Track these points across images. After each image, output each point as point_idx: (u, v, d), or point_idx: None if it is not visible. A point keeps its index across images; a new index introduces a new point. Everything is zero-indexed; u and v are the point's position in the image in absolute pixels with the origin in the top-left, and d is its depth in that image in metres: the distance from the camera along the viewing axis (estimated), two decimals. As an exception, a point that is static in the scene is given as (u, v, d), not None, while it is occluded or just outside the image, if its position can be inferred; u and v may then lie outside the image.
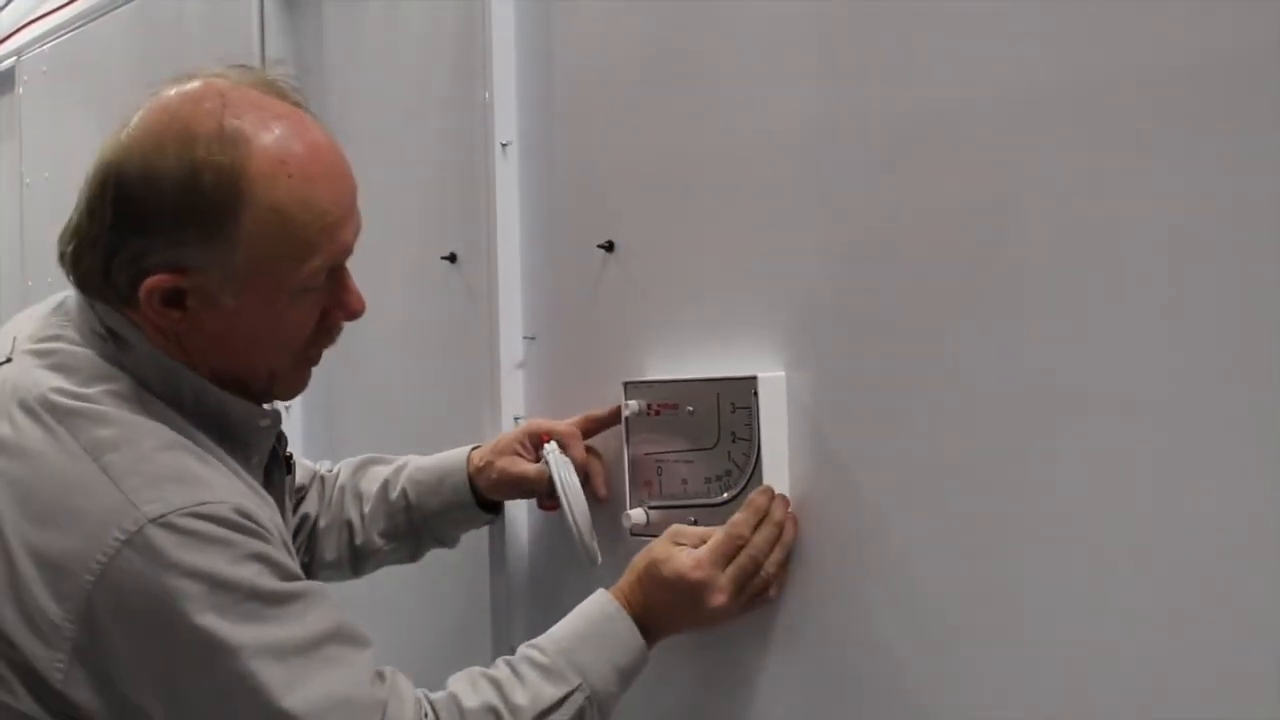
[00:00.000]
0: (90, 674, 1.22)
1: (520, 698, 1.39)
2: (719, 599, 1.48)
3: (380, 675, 1.35)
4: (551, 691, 1.40)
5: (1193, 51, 1.21)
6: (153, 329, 1.33)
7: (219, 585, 1.22)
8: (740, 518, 1.50)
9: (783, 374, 1.55)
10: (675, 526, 1.56)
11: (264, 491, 1.40)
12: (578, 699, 1.42)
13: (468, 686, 1.41)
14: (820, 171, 1.53)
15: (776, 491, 1.52)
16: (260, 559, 1.26)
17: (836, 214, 1.51)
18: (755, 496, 1.51)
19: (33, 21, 3.29)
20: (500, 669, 1.43)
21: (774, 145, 1.57)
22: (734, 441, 1.57)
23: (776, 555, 1.50)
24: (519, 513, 1.89)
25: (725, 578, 1.48)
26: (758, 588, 1.50)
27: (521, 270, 1.90)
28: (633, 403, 1.68)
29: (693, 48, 1.67)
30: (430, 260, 2.04)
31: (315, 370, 2.40)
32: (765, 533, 1.49)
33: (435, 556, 1.89)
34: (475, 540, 1.94)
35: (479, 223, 1.92)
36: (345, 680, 1.29)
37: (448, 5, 2.03)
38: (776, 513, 1.51)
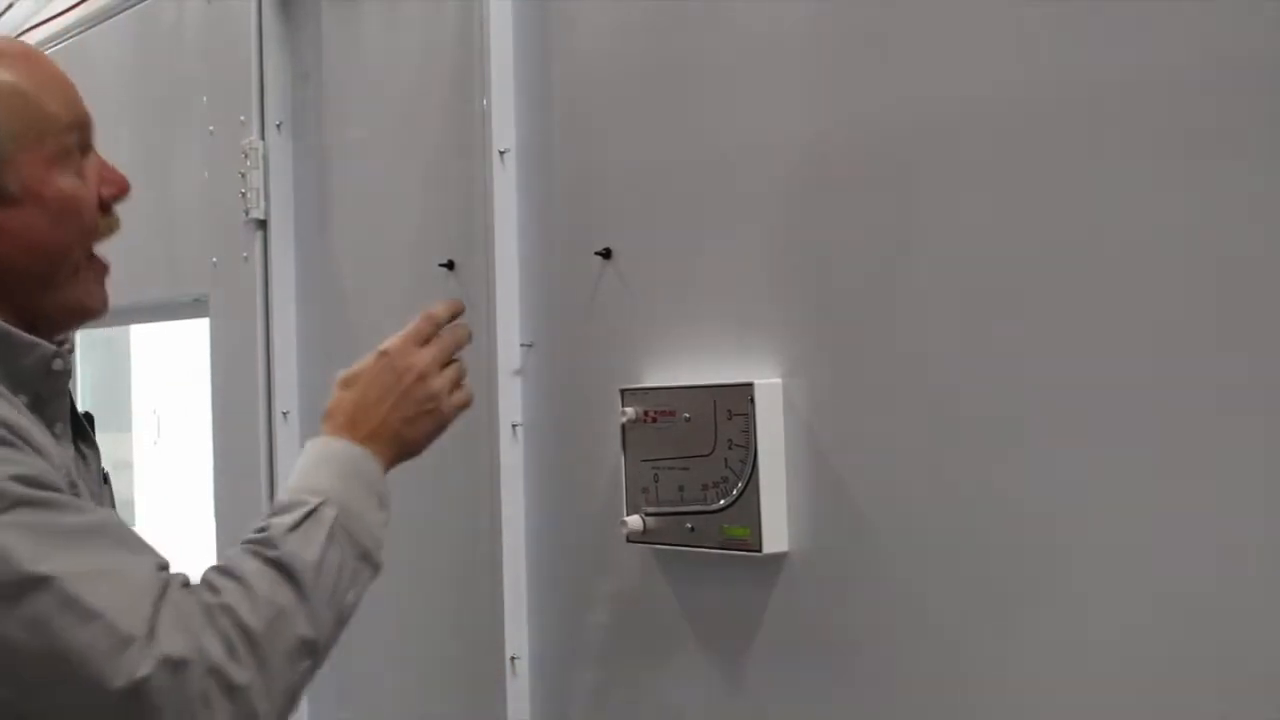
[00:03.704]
0: None
1: (276, 535, 1.31)
2: (420, 361, 1.50)
3: (164, 568, 1.26)
4: (293, 517, 1.33)
5: (1195, 54, 1.21)
6: None
7: None
8: (434, 308, 1.56)
9: (779, 381, 1.56)
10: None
11: (67, 449, 1.36)
12: (326, 512, 1.34)
13: (226, 564, 1.31)
14: (818, 179, 1.53)
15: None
16: (16, 470, 1.20)
17: (833, 222, 1.51)
18: (452, 301, 1.59)
19: (31, 29, 3.29)
20: (247, 541, 1.34)
21: (772, 153, 1.57)
22: (730, 448, 1.57)
23: (465, 355, 1.56)
24: (516, 516, 1.89)
25: (424, 353, 1.52)
26: (456, 374, 1.54)
27: (519, 277, 1.90)
28: (630, 409, 1.68)
29: (690, 56, 1.67)
30: (428, 268, 2.05)
31: (312, 375, 2.41)
32: (460, 330, 1.57)
33: (431, 562, 1.89)
34: (472, 546, 1.94)
35: (477, 230, 1.93)
36: (114, 557, 1.21)
37: (446, 13, 2.03)
38: (463, 314, 1.58)
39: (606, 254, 1.78)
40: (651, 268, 1.73)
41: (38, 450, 1.25)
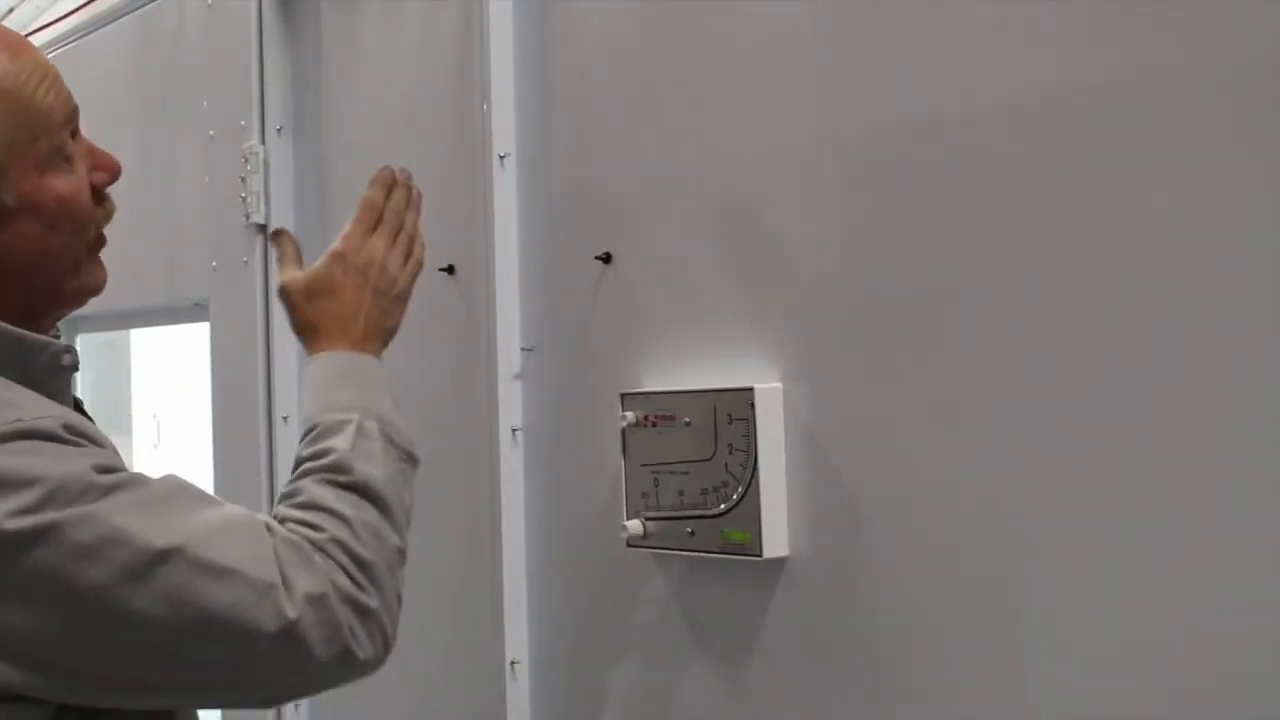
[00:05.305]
0: None
1: (342, 459, 1.33)
2: (377, 251, 1.51)
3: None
4: (347, 438, 1.36)
5: (1194, 57, 1.21)
6: None
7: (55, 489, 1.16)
8: (369, 192, 1.54)
9: (780, 385, 1.56)
10: (286, 262, 1.54)
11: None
12: (369, 426, 1.38)
13: (306, 499, 1.32)
14: (817, 184, 1.53)
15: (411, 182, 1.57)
16: (93, 462, 1.20)
17: (833, 226, 1.51)
18: (380, 171, 1.55)
19: (33, 33, 3.30)
20: (309, 469, 1.35)
21: (772, 157, 1.57)
22: (731, 453, 1.57)
23: (412, 215, 1.56)
24: (516, 520, 1.89)
25: (375, 239, 1.51)
26: (407, 244, 1.55)
27: (519, 282, 1.90)
28: (630, 414, 1.68)
29: (691, 61, 1.67)
30: (428, 272, 2.03)
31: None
32: (398, 195, 1.55)
33: (431, 567, 1.89)
34: (472, 550, 1.94)
35: (477, 234, 1.93)
36: (213, 514, 1.23)
37: (446, 17, 2.03)
38: (402, 176, 1.56)
39: (607, 258, 1.78)
40: (652, 272, 1.73)
41: (97, 442, 1.25)
